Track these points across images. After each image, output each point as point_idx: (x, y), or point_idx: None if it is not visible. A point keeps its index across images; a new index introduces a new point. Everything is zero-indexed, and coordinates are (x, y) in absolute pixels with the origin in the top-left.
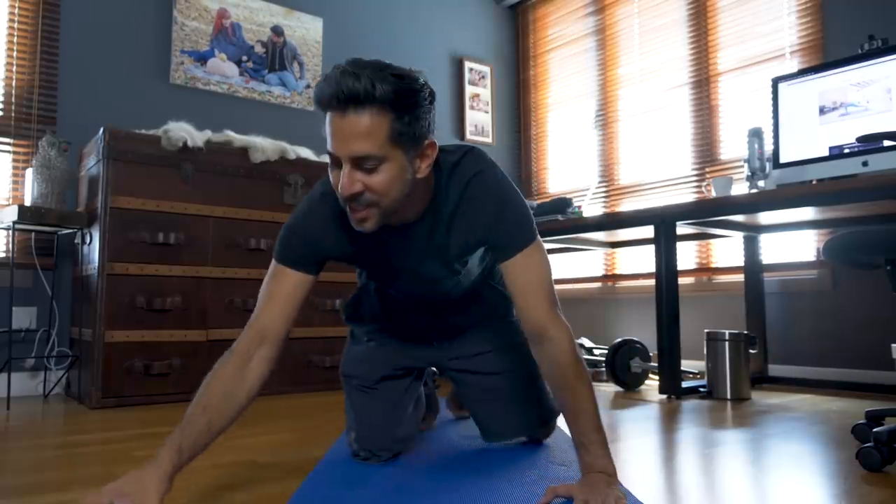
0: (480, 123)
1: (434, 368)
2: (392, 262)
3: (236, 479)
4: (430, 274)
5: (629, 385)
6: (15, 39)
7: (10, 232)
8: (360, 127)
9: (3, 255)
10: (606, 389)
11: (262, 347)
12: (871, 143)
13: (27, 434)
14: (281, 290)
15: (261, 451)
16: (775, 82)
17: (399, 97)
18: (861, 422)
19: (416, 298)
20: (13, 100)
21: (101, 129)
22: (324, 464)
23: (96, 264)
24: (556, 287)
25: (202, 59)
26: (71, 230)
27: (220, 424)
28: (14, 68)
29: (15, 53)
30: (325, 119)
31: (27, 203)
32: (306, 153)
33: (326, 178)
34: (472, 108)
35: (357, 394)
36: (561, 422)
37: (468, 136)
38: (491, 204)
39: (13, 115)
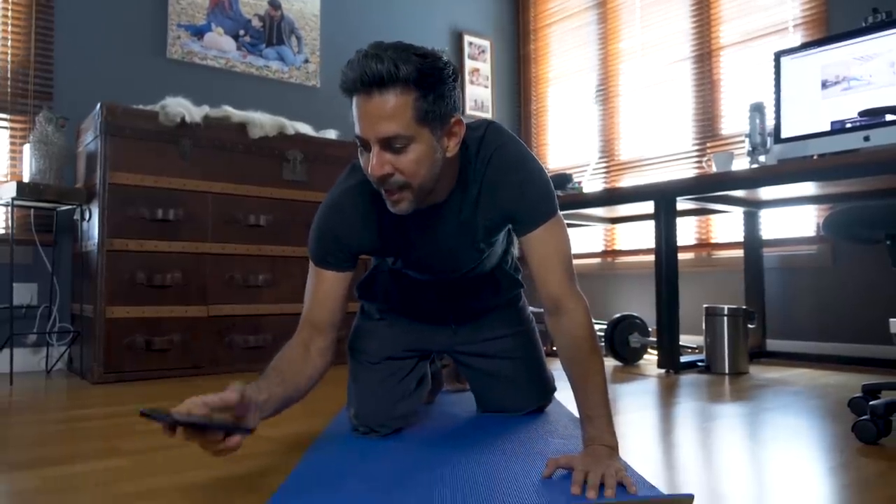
0: (480, 98)
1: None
2: (420, 246)
3: (240, 450)
4: (456, 255)
5: (628, 360)
6: (9, 14)
7: (9, 208)
8: (385, 108)
9: (3, 231)
10: (605, 364)
11: (316, 339)
12: (873, 118)
13: (30, 409)
14: (321, 289)
15: (265, 424)
16: (778, 56)
17: (423, 76)
18: (858, 395)
19: (435, 281)
20: (9, 75)
21: (99, 105)
22: (324, 437)
23: (96, 240)
24: None
25: (199, 33)
26: (70, 206)
27: (291, 393)
28: (9, 43)
29: (9, 28)
30: (351, 104)
31: (25, 179)
32: (305, 129)
33: (349, 170)
34: (471, 82)
35: (360, 369)
36: (561, 396)
37: (468, 111)
38: (514, 178)
39: (9, 90)
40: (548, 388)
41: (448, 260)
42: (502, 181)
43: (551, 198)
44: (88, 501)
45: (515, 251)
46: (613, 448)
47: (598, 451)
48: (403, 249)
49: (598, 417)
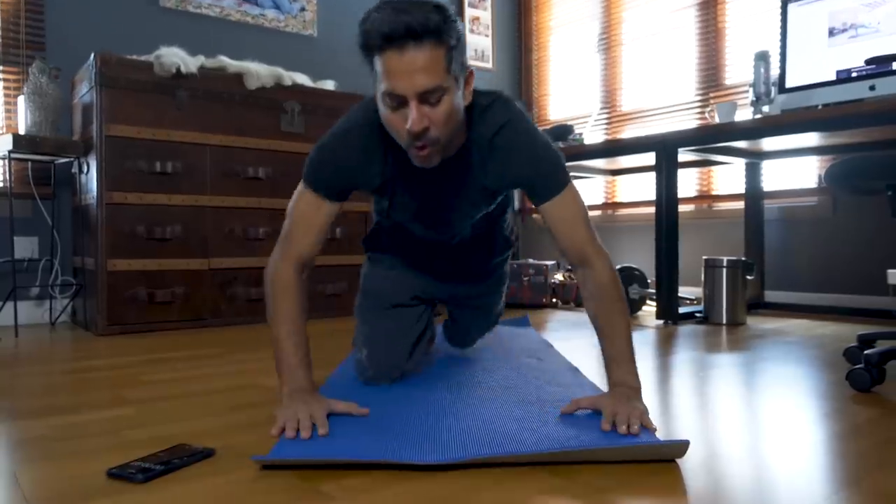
0: (481, 48)
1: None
2: (421, 198)
3: (243, 400)
4: (453, 210)
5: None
6: None
7: (7, 161)
8: (422, 60)
9: (1, 184)
10: None
11: (304, 272)
12: (879, 66)
13: (36, 360)
14: (315, 220)
15: (267, 374)
16: (785, 3)
17: (447, 26)
18: (853, 345)
19: (434, 238)
20: None
21: (92, 56)
22: (327, 386)
23: (95, 193)
24: None
25: None
26: (68, 159)
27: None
28: None
29: None
30: (376, 61)
31: (21, 132)
32: (302, 79)
33: (358, 108)
34: (472, 31)
35: (372, 314)
36: (559, 346)
37: (468, 61)
38: (526, 153)
39: (0, 40)
40: (496, 321)
41: (446, 214)
42: (514, 155)
43: (564, 169)
44: (97, 448)
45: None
46: (636, 390)
47: (623, 393)
48: (405, 197)
49: (622, 361)
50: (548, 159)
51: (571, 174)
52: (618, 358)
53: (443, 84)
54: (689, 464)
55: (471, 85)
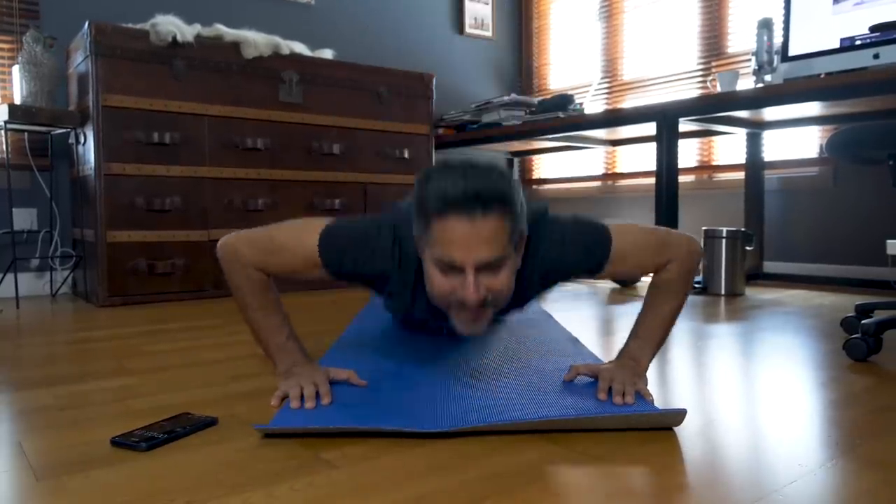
0: (480, 16)
1: None
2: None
3: (244, 370)
4: None
5: (626, 282)
6: None
7: (3, 132)
8: (487, 230)
9: None
10: (603, 286)
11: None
12: (884, 34)
13: (39, 331)
14: (302, 272)
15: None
16: None
17: (512, 193)
18: (850, 315)
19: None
20: None
21: (87, 24)
22: (328, 356)
23: (93, 165)
24: (557, 186)
25: None
26: (64, 130)
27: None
28: None
29: None
30: (433, 224)
31: (17, 102)
32: (300, 48)
33: (386, 227)
34: None
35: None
36: (559, 316)
37: (467, 29)
38: (566, 257)
39: None
40: None
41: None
42: (561, 264)
43: (600, 243)
44: (100, 417)
45: None
46: (642, 366)
47: (625, 364)
48: (419, 312)
49: (644, 338)
50: (583, 244)
51: (571, 144)
52: (642, 335)
53: (504, 254)
54: (686, 432)
55: (522, 249)
